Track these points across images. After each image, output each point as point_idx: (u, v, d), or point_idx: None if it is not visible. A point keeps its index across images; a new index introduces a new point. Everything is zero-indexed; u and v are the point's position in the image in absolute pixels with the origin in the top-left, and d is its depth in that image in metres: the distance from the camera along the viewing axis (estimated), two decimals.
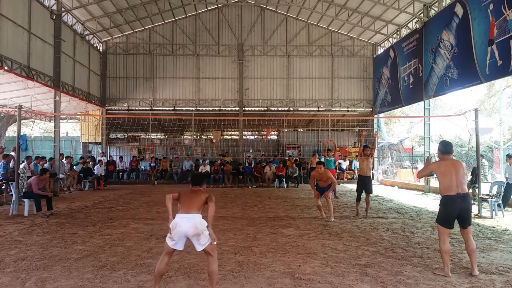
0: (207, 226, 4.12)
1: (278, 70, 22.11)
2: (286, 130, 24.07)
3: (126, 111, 21.58)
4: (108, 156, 21.23)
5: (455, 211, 4.93)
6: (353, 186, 18.50)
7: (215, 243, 4.19)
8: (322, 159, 14.13)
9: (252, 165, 19.13)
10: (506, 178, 11.05)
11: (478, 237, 7.18)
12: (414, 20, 16.91)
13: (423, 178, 16.35)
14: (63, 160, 15.84)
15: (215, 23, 21.87)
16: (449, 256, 5.01)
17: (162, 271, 4.18)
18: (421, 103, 17.07)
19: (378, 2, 17.28)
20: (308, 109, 22.24)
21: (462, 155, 23.09)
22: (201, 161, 19.66)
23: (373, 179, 20.99)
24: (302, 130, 24.08)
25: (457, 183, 4.94)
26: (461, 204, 4.92)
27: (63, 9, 15.65)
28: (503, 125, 21.85)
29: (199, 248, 4.11)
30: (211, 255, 4.16)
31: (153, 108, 21.72)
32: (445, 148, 5.21)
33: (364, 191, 9.88)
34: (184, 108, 21.85)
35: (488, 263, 5.45)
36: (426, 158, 5.81)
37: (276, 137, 24.39)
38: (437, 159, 5.57)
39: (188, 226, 4.03)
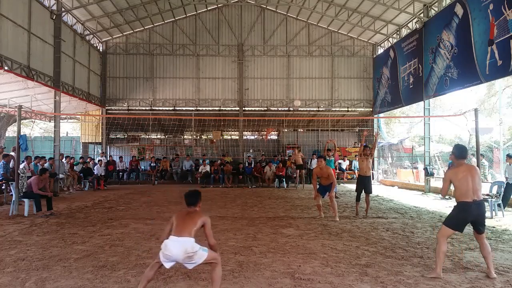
0: None
1: (278, 70, 22.11)
2: (286, 130, 24.07)
3: (126, 111, 21.58)
4: (108, 156, 21.24)
5: (470, 217, 4.88)
6: (353, 186, 18.52)
7: None
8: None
9: (252, 165, 19.13)
10: (506, 178, 11.06)
11: None
12: (414, 20, 16.92)
13: (424, 178, 16.36)
14: (63, 160, 15.84)
15: (215, 23, 21.87)
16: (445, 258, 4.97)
17: (150, 277, 4.06)
18: (421, 103, 17.08)
19: (378, 2, 17.28)
20: (308, 109, 22.25)
21: None
22: (201, 161, 19.68)
23: (373, 179, 21.07)
24: (302, 130, 24.08)
25: (473, 190, 4.88)
26: (477, 211, 4.89)
27: (63, 9, 15.65)
28: (503, 125, 21.84)
29: (191, 266, 3.97)
30: (214, 263, 4.04)
31: (153, 108, 21.73)
32: (461, 152, 5.11)
33: (363, 191, 9.87)
34: (184, 108, 21.85)
35: None
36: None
37: (276, 137, 24.40)
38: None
39: (178, 251, 3.81)
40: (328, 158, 14.10)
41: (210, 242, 4.11)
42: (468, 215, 4.88)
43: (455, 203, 5.04)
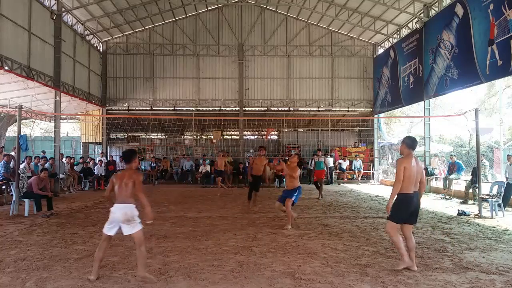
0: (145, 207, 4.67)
1: (278, 70, 22.10)
2: (286, 130, 24.07)
3: (126, 111, 21.57)
4: (109, 156, 21.23)
5: (411, 209, 5.09)
6: (354, 186, 18.55)
7: (149, 222, 4.72)
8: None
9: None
10: (507, 178, 11.06)
11: (478, 237, 7.18)
12: (414, 20, 16.90)
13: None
14: (63, 160, 15.83)
15: (215, 23, 21.87)
16: (404, 246, 5.17)
17: (100, 257, 4.70)
18: (421, 103, 17.06)
19: (378, 2, 17.26)
20: (308, 109, 22.23)
21: (462, 155, 23.08)
22: (201, 161, 19.68)
23: (373, 179, 21.11)
24: (302, 130, 24.08)
25: (416, 182, 5.11)
26: (417, 202, 5.12)
27: (63, 9, 15.64)
28: (503, 125, 21.83)
29: (126, 232, 4.62)
30: (136, 241, 4.65)
31: (153, 108, 21.72)
32: (413, 143, 5.27)
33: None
34: (184, 108, 21.84)
35: (488, 263, 5.45)
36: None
37: (277, 137, 24.39)
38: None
39: (120, 214, 4.59)
40: (317, 160, 14.03)
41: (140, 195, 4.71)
42: (409, 206, 5.08)
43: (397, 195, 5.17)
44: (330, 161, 20.26)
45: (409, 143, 5.20)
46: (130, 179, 4.73)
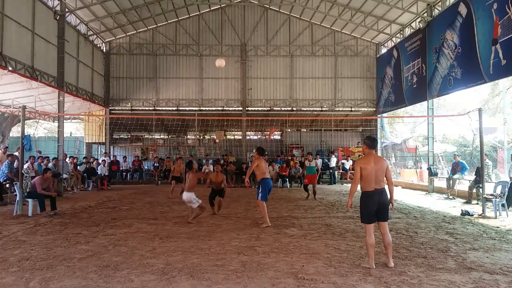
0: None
1: (281, 70, 22.10)
2: (289, 130, 24.06)
3: (130, 111, 21.63)
4: (112, 156, 21.27)
5: (373, 205, 5.17)
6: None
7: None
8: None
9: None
10: (510, 178, 11.00)
11: (482, 237, 7.14)
12: (418, 20, 16.87)
13: (428, 178, 16.30)
14: (66, 160, 15.88)
15: (218, 23, 21.89)
16: (374, 250, 5.26)
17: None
18: (425, 102, 17.01)
19: (382, 2, 17.23)
20: (311, 109, 22.22)
21: (466, 155, 22.99)
22: (204, 161, 19.68)
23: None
24: (305, 130, 24.06)
25: (376, 180, 5.16)
26: (379, 198, 5.17)
27: (66, 10, 15.69)
28: (507, 125, 21.72)
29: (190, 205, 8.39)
30: (193, 208, 8.40)
31: (156, 108, 21.77)
32: (372, 143, 5.39)
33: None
34: (187, 108, 21.88)
35: (492, 263, 5.43)
36: None
37: (279, 137, 24.38)
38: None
39: (185, 198, 8.32)
40: (308, 164, 13.53)
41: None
42: (371, 203, 5.18)
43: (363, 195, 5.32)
44: (333, 161, 20.24)
45: (369, 143, 5.39)
46: (195, 178, 8.51)
